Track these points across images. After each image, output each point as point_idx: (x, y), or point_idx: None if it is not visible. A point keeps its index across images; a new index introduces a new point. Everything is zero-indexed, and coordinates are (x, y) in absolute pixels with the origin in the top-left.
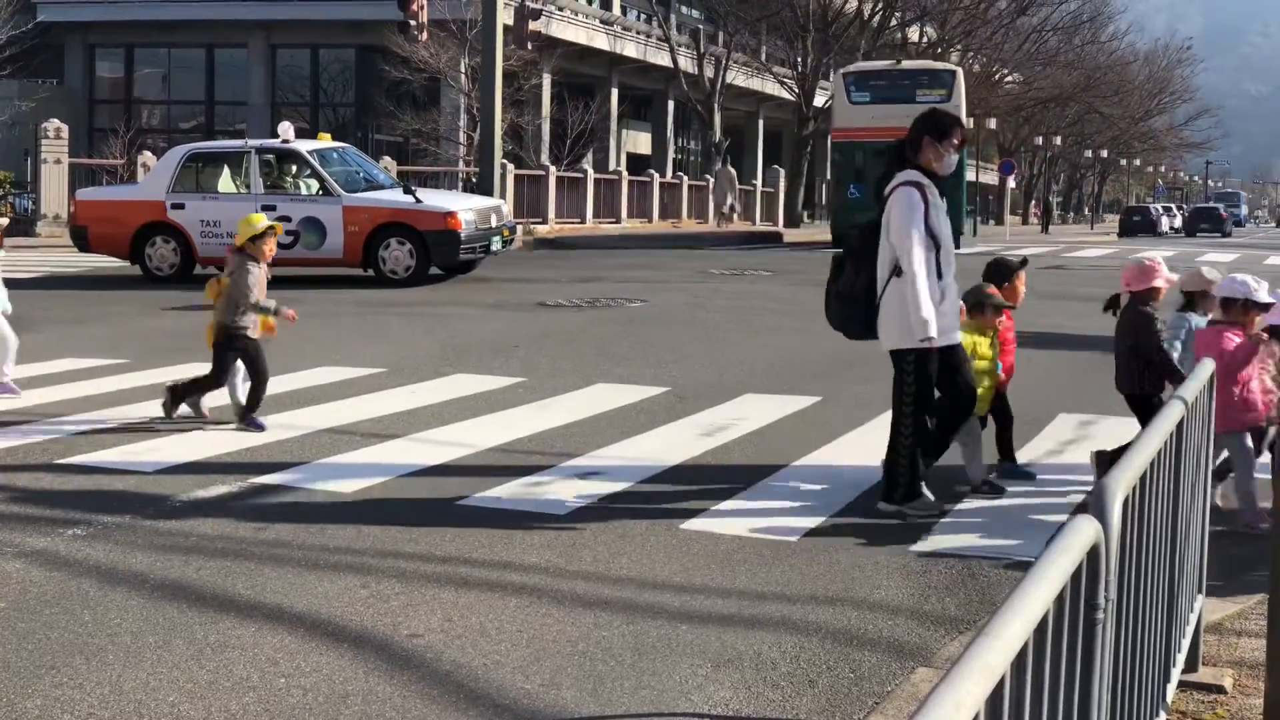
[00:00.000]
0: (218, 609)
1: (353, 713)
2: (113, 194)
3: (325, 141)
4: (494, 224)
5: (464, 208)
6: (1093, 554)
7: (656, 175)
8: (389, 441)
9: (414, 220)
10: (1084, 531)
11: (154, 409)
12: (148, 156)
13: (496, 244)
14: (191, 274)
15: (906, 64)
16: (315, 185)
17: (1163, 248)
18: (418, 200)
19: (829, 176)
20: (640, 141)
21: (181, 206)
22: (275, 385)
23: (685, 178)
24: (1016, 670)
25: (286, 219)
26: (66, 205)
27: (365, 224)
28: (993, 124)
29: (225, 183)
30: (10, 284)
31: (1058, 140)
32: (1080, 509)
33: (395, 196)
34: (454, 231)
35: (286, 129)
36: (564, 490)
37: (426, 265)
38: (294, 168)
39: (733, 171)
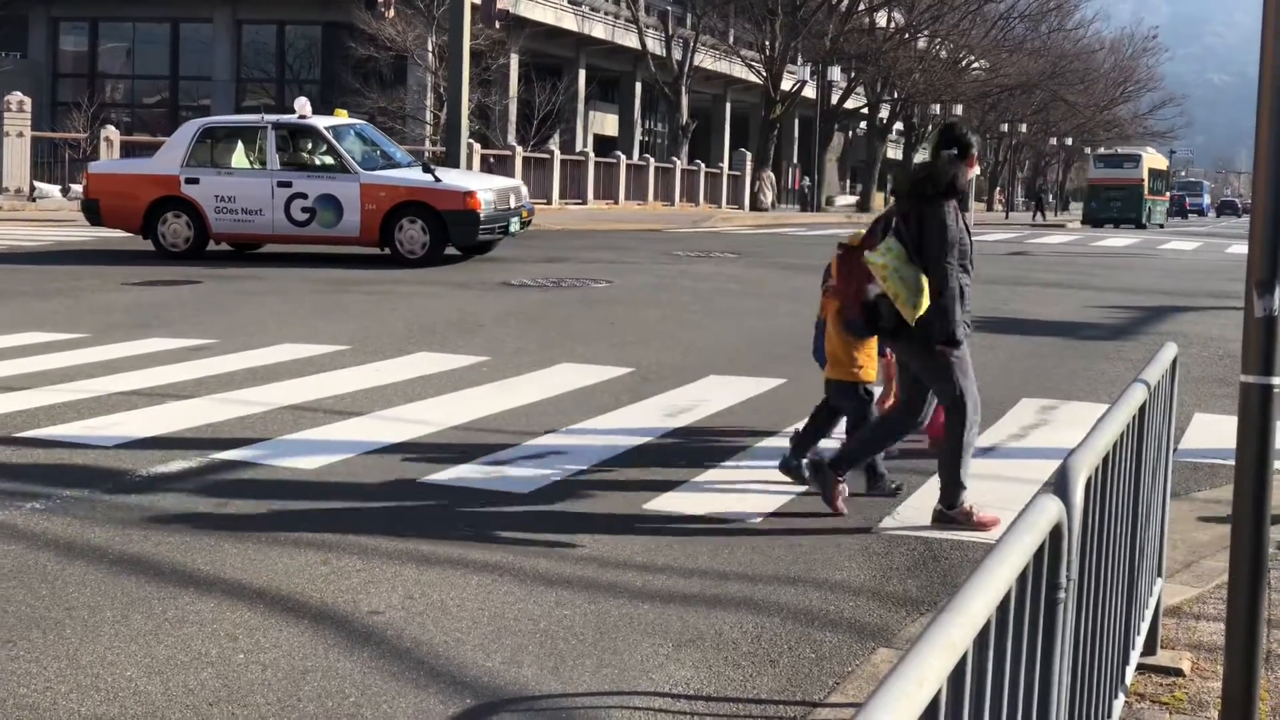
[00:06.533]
0: (177, 584)
1: (312, 689)
2: (126, 167)
3: (343, 118)
4: (513, 205)
5: (483, 187)
6: (1055, 533)
7: (623, 157)
8: (351, 419)
9: (433, 199)
10: (1047, 510)
11: (110, 384)
12: (110, 131)
13: (515, 225)
14: (204, 250)
15: (1119, 149)
16: (332, 162)
17: (1124, 236)
18: (437, 179)
19: (795, 160)
20: (607, 123)
21: (196, 181)
22: (237, 361)
23: (652, 160)
24: (978, 647)
25: (303, 196)
26: (29, 178)
27: (383, 202)
28: (959, 110)
29: (239, 158)
30: None
31: (1023, 127)
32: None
33: (414, 175)
34: (473, 212)
35: (303, 104)
36: (526, 469)
37: (442, 245)
38: (310, 144)
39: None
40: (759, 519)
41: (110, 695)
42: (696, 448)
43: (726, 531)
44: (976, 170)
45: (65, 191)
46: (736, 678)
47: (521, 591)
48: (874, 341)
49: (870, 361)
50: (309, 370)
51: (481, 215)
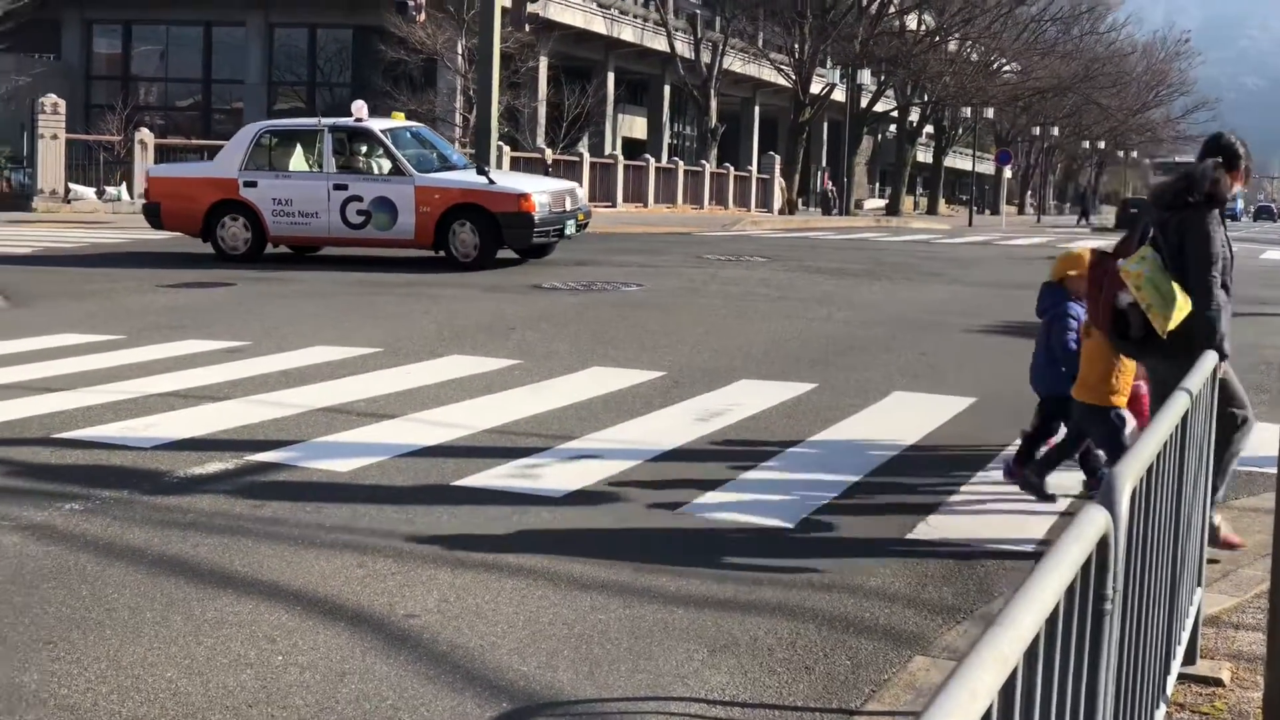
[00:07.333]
0: (215, 585)
1: (350, 691)
2: (185, 171)
3: (399, 121)
4: (568, 207)
5: (538, 190)
6: (1102, 544)
7: (652, 160)
8: (385, 421)
9: (487, 201)
10: (1095, 521)
11: (147, 385)
12: (145, 133)
13: (570, 228)
14: (262, 254)
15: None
16: (388, 165)
17: None
18: (491, 181)
19: (824, 164)
20: (636, 126)
21: (254, 184)
22: (271, 363)
23: (680, 163)
24: (1028, 660)
25: (358, 199)
26: (63, 180)
27: (437, 205)
28: (990, 113)
29: (298, 161)
30: (7, 260)
31: (1055, 131)
32: (1088, 497)
33: (468, 177)
34: (527, 214)
35: (360, 108)
36: (560, 473)
37: (494, 248)
38: (366, 147)
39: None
40: (793, 524)
41: (150, 696)
42: (730, 452)
43: (761, 537)
44: (1239, 187)
45: (100, 194)
46: (772, 684)
47: (556, 596)
48: (1133, 366)
49: (1126, 387)
50: (342, 373)
51: (536, 218)
